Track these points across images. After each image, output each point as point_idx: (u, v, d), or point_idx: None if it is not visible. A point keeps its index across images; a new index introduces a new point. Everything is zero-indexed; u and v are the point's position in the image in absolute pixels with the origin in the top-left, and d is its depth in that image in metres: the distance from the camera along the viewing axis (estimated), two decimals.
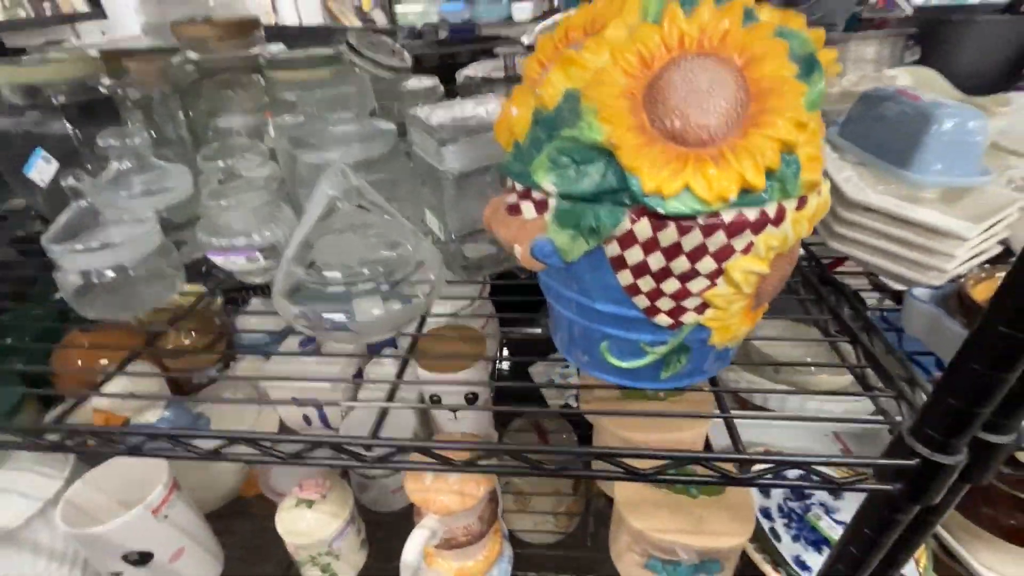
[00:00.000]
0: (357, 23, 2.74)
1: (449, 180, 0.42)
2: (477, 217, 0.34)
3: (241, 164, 0.51)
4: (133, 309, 0.45)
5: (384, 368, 0.70)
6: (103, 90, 0.55)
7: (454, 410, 0.59)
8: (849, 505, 0.56)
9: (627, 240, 0.25)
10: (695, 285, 0.27)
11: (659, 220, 0.24)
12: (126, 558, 0.52)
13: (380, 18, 2.68)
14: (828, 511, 0.55)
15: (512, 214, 0.29)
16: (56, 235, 0.42)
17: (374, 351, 0.72)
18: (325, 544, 0.56)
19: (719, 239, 0.25)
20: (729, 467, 0.31)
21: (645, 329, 0.29)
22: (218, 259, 0.45)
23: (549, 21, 0.73)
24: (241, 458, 0.36)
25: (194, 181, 0.52)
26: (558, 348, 0.37)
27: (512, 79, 0.61)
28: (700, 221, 0.24)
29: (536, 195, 0.28)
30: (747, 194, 0.24)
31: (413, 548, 0.48)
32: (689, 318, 0.28)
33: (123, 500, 0.57)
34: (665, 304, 0.28)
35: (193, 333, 0.72)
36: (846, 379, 0.55)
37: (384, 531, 0.66)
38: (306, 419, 0.73)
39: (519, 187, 0.29)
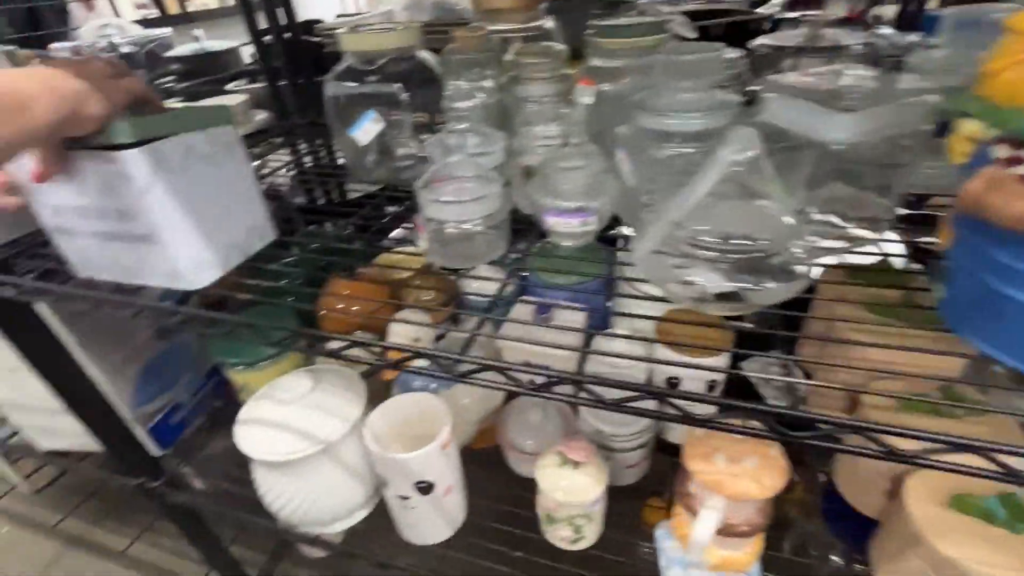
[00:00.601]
0: None
1: (828, 152, 0.39)
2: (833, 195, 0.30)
3: (564, 131, 0.52)
4: (473, 259, 0.48)
5: (614, 345, 0.70)
6: (426, 58, 0.60)
7: (690, 399, 0.57)
8: None
9: None
10: None
11: None
12: (417, 484, 0.58)
13: None
14: None
15: None
16: (424, 185, 0.46)
17: (599, 327, 0.72)
18: (586, 506, 0.57)
19: None
20: None
21: None
22: (552, 219, 0.47)
23: None
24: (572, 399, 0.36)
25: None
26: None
27: (822, 49, 0.56)
28: None
29: None
30: None
31: (705, 529, 0.48)
32: None
33: (401, 433, 0.63)
34: None
35: (431, 291, 0.78)
36: None
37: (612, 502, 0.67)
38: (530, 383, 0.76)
39: None
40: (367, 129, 0.61)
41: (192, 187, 0.44)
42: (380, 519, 0.66)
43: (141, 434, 0.75)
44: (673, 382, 0.68)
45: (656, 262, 0.39)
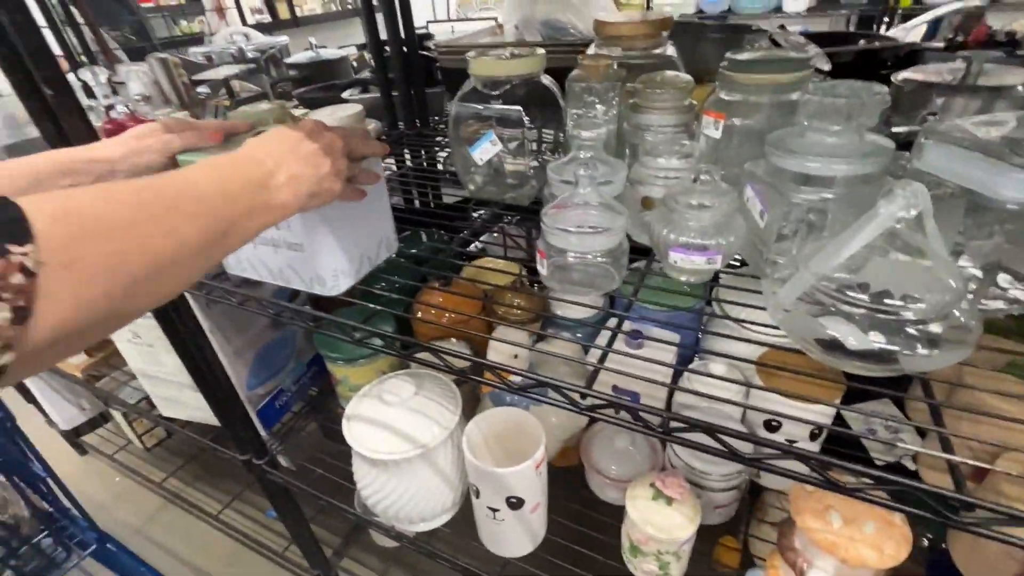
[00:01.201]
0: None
1: (999, 210, 0.36)
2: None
3: (688, 164, 0.52)
4: (590, 289, 0.49)
5: (709, 378, 0.67)
6: (548, 83, 0.61)
7: (794, 455, 0.54)
8: None
9: None
10: None
11: None
12: (508, 499, 0.59)
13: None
14: None
15: None
16: (548, 211, 0.47)
17: (688, 359, 0.70)
18: (676, 544, 0.56)
19: None
20: None
21: None
22: (676, 254, 0.47)
23: None
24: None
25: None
26: None
27: (979, 88, 0.52)
28: None
29: None
30: None
31: None
32: None
33: (493, 445, 0.65)
34: None
35: (517, 308, 0.79)
36: None
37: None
38: None
39: None
40: (485, 149, 0.63)
41: (341, 206, 0.47)
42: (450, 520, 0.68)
43: (251, 414, 0.82)
44: (773, 425, 0.65)
45: (795, 313, 0.38)
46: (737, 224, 0.47)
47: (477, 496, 0.62)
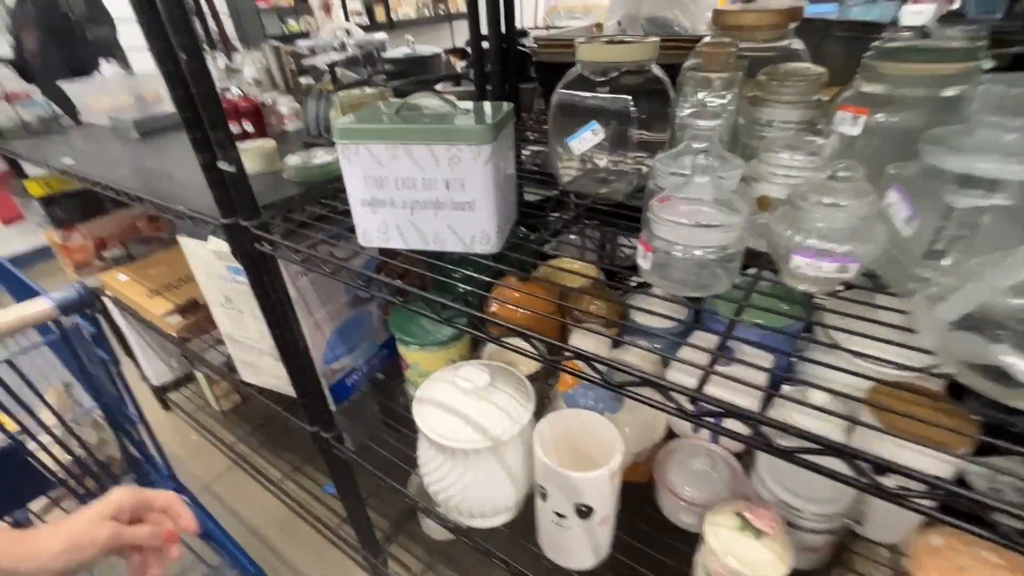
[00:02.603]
0: None
1: None
2: None
3: (815, 161, 0.47)
4: (696, 289, 0.45)
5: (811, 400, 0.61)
6: (659, 73, 0.58)
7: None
8: None
9: None
10: None
11: None
12: (578, 506, 0.56)
13: None
14: None
15: None
16: (656, 202, 0.44)
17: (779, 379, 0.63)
18: None
19: None
20: None
21: None
22: (801, 259, 0.42)
23: None
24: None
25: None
26: None
27: None
28: None
29: None
30: None
31: None
32: None
33: (563, 448, 0.62)
34: None
35: (595, 307, 0.75)
36: None
37: None
38: (695, 427, 0.70)
39: None
40: (585, 139, 0.60)
41: (500, 170, 0.52)
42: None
43: (324, 388, 0.84)
44: (879, 466, 0.58)
45: (958, 333, 0.32)
46: (876, 231, 0.41)
47: (544, 499, 0.59)
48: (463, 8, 0.92)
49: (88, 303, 0.70)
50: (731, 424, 0.36)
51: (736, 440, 0.35)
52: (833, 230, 0.41)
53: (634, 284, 0.86)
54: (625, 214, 0.63)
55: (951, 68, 0.43)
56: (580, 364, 0.42)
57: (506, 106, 0.55)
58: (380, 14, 3.65)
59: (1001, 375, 0.32)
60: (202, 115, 0.55)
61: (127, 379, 0.85)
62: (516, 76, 0.99)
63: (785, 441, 0.34)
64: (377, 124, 0.50)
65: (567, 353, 0.43)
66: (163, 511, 0.49)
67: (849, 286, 0.47)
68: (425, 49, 1.51)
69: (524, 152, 0.97)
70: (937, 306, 0.34)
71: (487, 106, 0.55)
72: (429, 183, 0.51)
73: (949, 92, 0.43)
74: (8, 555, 0.41)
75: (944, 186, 0.38)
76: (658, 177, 0.51)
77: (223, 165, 0.58)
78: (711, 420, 0.36)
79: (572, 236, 1.11)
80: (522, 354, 0.47)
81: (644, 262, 0.46)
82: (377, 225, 0.55)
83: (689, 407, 0.36)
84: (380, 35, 1.81)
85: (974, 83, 0.41)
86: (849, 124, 0.48)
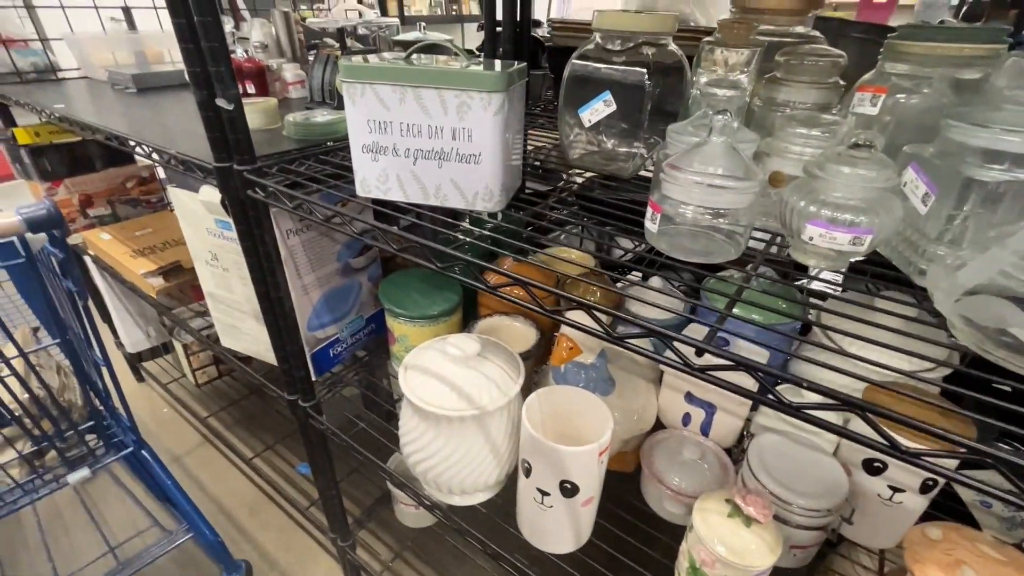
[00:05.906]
0: None
1: None
2: None
3: (832, 139, 0.46)
4: (701, 255, 0.43)
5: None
6: (676, 49, 0.57)
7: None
8: None
9: None
10: None
11: None
12: (563, 483, 0.53)
13: None
14: None
15: None
16: (668, 162, 0.43)
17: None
18: (750, 573, 0.48)
19: None
20: None
21: None
22: (815, 229, 0.40)
23: None
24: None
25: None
26: None
27: None
28: None
29: None
30: None
31: None
32: None
33: (550, 425, 0.60)
34: None
35: (593, 291, 0.74)
36: None
37: None
38: (686, 418, 0.68)
39: None
40: (596, 110, 0.59)
41: (509, 125, 0.51)
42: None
43: (307, 355, 0.81)
44: (876, 467, 0.56)
45: (979, 298, 0.31)
46: (893, 206, 0.40)
47: (527, 475, 0.56)
48: (476, 11, 0.92)
49: (57, 222, 0.67)
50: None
51: (743, 396, 0.33)
52: (849, 200, 0.39)
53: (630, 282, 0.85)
54: (626, 214, 0.62)
55: (977, 49, 0.42)
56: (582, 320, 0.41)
57: (519, 64, 0.53)
58: (392, 8, 3.66)
59: (1018, 346, 0.30)
60: (203, 46, 0.53)
61: (95, 320, 0.81)
62: (528, 63, 0.98)
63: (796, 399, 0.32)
64: (386, 64, 0.49)
65: (587, 303, 0.41)
66: None
67: (857, 271, 0.46)
68: (436, 35, 1.50)
69: (527, 146, 0.96)
70: (956, 273, 0.32)
71: (500, 62, 0.54)
72: (435, 131, 0.49)
73: (972, 74, 0.43)
74: None
75: (965, 161, 0.37)
76: (671, 145, 0.50)
77: (221, 102, 0.56)
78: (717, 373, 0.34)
79: (572, 230, 1.09)
80: (521, 305, 0.45)
81: (652, 224, 0.45)
82: (377, 174, 0.53)
83: (696, 359, 0.34)
84: (393, 19, 1.80)
85: (998, 65, 0.40)
86: (868, 104, 0.47)
